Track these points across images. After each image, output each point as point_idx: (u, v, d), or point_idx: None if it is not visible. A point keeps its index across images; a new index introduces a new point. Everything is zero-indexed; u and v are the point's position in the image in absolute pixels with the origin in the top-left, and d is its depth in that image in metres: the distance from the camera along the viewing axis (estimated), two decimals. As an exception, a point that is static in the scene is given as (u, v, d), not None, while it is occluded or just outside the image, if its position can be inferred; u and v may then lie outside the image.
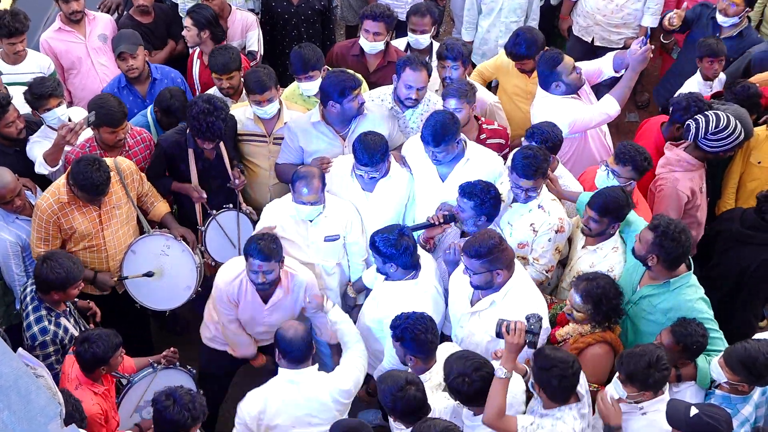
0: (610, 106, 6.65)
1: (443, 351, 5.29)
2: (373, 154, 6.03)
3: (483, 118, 6.74)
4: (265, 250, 5.60)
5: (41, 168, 6.41)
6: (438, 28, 9.27)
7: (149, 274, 6.34)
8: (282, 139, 6.66)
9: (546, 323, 5.34)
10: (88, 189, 5.94)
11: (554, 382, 4.83)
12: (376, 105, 6.70)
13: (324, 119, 6.49)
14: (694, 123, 6.40)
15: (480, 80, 7.48)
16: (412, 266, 5.72)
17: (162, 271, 6.39)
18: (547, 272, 6.00)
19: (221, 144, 6.49)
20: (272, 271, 5.69)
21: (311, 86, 6.76)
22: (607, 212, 5.76)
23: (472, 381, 4.88)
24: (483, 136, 6.62)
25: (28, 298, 5.80)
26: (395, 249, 5.60)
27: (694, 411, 4.78)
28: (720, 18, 7.45)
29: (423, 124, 6.15)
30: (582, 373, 4.99)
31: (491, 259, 5.30)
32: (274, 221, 6.14)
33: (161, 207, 6.55)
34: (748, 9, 7.40)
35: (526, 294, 5.49)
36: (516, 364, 5.06)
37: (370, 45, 7.23)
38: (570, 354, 5.02)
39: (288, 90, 7.20)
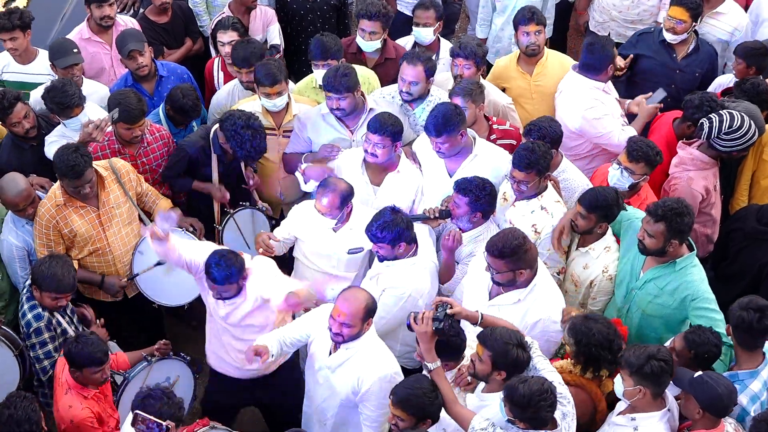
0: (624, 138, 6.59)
1: None
2: (387, 125, 6.04)
3: (494, 118, 6.70)
4: (217, 275, 5.40)
5: None
6: (453, 26, 9.26)
7: (161, 262, 6.28)
8: (291, 131, 6.69)
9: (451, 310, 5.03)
10: (64, 171, 5.88)
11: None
12: (386, 101, 6.71)
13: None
14: (707, 122, 6.36)
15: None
16: (414, 239, 5.69)
17: (172, 266, 6.28)
18: (558, 274, 5.93)
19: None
20: (227, 290, 5.51)
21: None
22: (595, 208, 5.70)
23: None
24: (493, 136, 6.57)
25: (24, 289, 5.85)
26: (399, 226, 5.54)
27: (698, 373, 4.81)
28: (669, 37, 7.32)
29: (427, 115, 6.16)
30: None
31: (515, 259, 5.24)
32: (298, 226, 6.12)
33: (163, 204, 6.47)
34: (695, 24, 7.36)
35: (550, 293, 5.46)
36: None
37: (366, 44, 7.23)
38: (546, 382, 4.73)
39: (302, 83, 7.23)
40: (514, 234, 5.31)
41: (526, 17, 7.13)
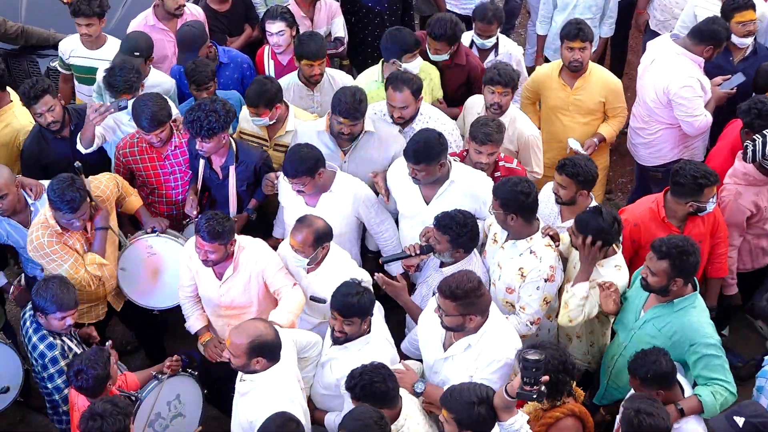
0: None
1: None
2: (298, 165, 5.85)
3: (503, 155, 6.40)
4: (209, 230, 5.49)
5: (80, 146, 6.50)
6: (513, 21, 9.17)
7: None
8: (283, 146, 6.60)
9: None
10: (58, 205, 5.73)
11: None
12: (385, 123, 6.56)
13: (330, 130, 6.36)
14: (751, 144, 6.14)
15: (529, 103, 7.34)
16: (371, 313, 5.39)
17: (158, 270, 6.32)
18: (532, 324, 5.64)
19: (231, 169, 6.38)
20: (214, 252, 5.57)
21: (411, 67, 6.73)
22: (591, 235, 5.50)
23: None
24: (498, 174, 6.30)
25: (27, 323, 5.64)
26: (364, 305, 5.25)
27: (740, 420, 4.68)
28: (740, 41, 7.14)
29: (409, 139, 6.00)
30: None
31: (466, 303, 5.01)
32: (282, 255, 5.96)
33: (134, 201, 6.40)
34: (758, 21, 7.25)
35: (503, 336, 5.20)
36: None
37: (433, 57, 7.06)
38: None
39: (363, 75, 7.19)
40: (469, 276, 5.07)
41: (572, 33, 6.92)
